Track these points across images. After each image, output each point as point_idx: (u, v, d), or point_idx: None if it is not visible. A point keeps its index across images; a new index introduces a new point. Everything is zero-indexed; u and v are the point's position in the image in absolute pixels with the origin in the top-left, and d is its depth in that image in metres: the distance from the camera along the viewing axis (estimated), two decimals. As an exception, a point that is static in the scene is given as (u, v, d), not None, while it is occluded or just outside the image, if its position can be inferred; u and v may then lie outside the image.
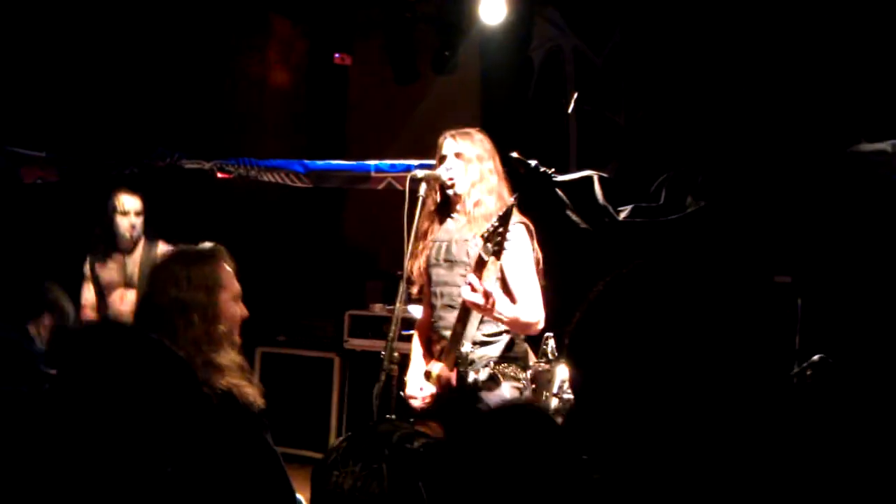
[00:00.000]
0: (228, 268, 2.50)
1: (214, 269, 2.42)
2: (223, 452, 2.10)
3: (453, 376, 3.08)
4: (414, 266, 3.34)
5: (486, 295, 2.91)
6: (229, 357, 2.39)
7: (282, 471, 2.27)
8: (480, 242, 2.98)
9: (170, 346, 2.21)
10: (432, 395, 3.23)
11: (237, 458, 2.13)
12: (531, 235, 3.25)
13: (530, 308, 3.12)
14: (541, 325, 3.18)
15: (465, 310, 3.04)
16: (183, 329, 2.30)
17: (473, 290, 2.92)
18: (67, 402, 1.88)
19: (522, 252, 3.19)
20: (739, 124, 5.23)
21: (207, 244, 2.54)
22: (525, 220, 3.25)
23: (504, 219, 2.93)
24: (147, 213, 5.15)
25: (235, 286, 2.50)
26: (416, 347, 3.51)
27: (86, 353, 2.05)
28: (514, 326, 3.15)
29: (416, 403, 3.26)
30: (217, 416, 2.15)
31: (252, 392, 2.36)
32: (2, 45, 6.00)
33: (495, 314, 2.98)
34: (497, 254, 2.94)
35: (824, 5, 4.94)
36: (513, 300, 3.12)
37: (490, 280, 3.02)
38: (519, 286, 3.13)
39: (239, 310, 2.50)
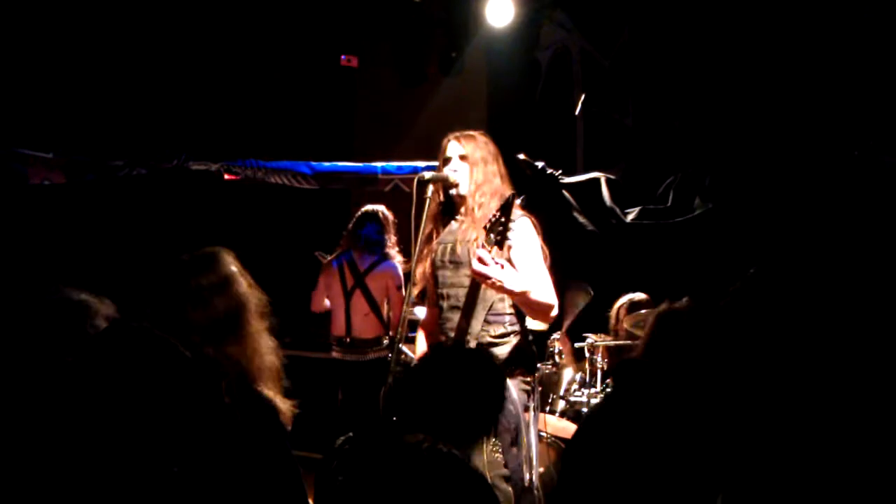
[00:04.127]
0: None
1: (222, 267, 2.37)
2: (240, 458, 2.08)
3: None
4: (419, 269, 3.33)
5: (495, 265, 2.89)
6: (268, 358, 2.36)
7: (299, 485, 2.25)
8: (483, 234, 2.98)
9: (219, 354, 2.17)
10: None
11: (254, 466, 2.11)
12: (537, 230, 3.24)
13: (542, 289, 3.09)
14: (555, 312, 3.14)
15: (470, 304, 3.03)
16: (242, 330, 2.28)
17: (483, 263, 2.90)
18: (79, 398, 1.88)
19: (530, 242, 3.18)
20: (747, 126, 5.21)
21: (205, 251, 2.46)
22: (529, 215, 3.25)
23: (505, 209, 2.92)
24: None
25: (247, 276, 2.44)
26: (421, 341, 3.50)
27: (99, 353, 2.04)
28: (527, 305, 3.11)
29: None
30: (239, 422, 2.12)
31: (283, 407, 2.33)
32: (10, 47, 6.02)
33: (506, 285, 2.94)
34: (500, 244, 2.93)
35: (833, 8, 4.92)
36: None
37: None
38: (526, 272, 3.11)
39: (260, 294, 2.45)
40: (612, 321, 4.80)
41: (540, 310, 3.12)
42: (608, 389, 4.48)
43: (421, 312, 3.74)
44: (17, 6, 6.06)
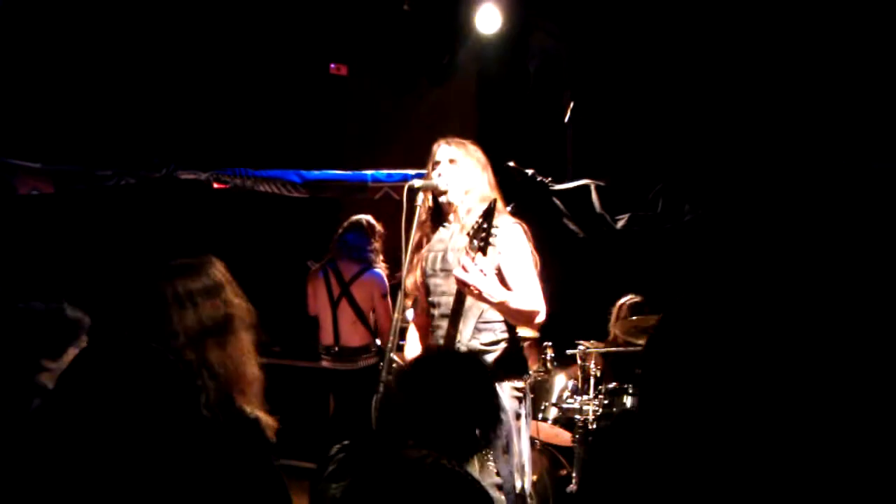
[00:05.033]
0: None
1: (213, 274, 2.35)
2: (223, 471, 2.07)
3: None
4: (409, 279, 3.33)
5: (477, 273, 2.90)
6: (251, 370, 2.34)
7: (285, 497, 2.23)
8: (466, 240, 2.99)
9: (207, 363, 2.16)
10: None
11: (237, 479, 2.10)
12: (528, 236, 3.24)
13: (525, 297, 3.08)
14: (541, 318, 3.13)
15: (457, 311, 3.04)
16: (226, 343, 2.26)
17: (465, 270, 2.91)
18: (67, 412, 1.87)
19: (518, 248, 3.18)
20: (738, 132, 5.23)
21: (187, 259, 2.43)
22: (520, 222, 3.26)
23: (487, 215, 2.93)
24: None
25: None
26: (413, 332, 3.51)
27: (89, 366, 2.02)
28: (509, 314, 3.12)
29: None
30: (225, 436, 2.11)
31: (266, 420, 2.32)
32: (-2, 56, 6.00)
33: (484, 293, 2.95)
34: (483, 250, 2.94)
35: (822, 14, 4.94)
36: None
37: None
38: (515, 278, 3.12)
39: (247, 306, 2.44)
40: (614, 319, 4.92)
41: (522, 318, 3.13)
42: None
43: (412, 314, 3.75)
44: (5, 16, 6.03)
